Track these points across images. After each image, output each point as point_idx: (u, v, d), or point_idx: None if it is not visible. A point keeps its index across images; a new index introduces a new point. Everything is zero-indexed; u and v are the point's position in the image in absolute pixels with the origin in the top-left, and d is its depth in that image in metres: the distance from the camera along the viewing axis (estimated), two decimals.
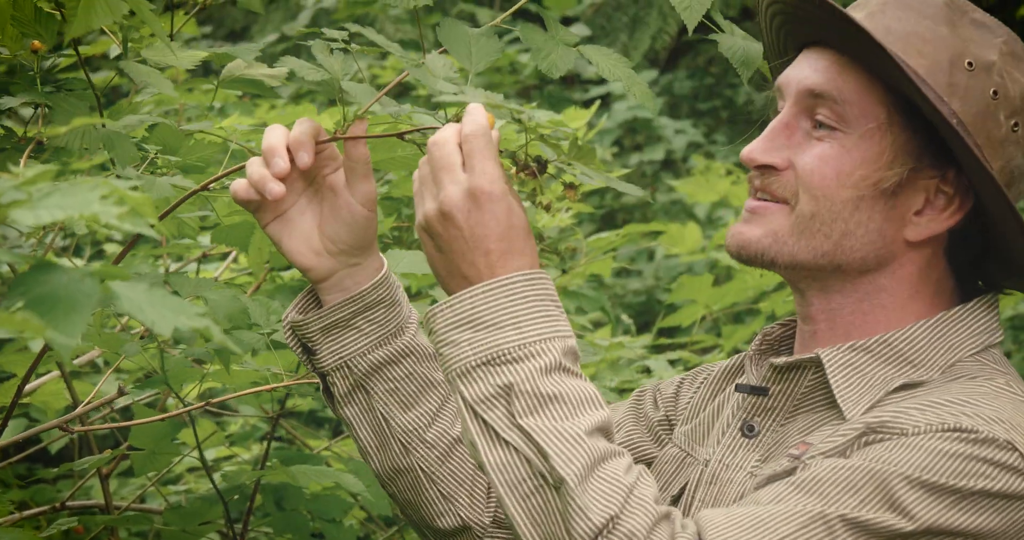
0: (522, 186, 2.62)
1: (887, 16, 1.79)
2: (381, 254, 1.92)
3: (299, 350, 1.92)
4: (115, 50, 2.35)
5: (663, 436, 2.06)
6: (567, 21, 7.87)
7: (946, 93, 1.76)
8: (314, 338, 1.89)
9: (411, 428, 1.92)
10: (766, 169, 1.82)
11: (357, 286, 1.88)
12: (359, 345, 1.89)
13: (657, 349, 4.12)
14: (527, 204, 2.92)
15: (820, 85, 1.80)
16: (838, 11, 1.76)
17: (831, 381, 1.79)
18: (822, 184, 1.78)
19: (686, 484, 1.92)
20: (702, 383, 2.06)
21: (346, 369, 1.90)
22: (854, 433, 1.70)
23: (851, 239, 1.80)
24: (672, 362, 3.71)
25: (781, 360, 1.84)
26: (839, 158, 1.78)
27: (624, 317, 4.34)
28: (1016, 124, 1.78)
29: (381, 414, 1.92)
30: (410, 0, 1.86)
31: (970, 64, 1.77)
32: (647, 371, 3.61)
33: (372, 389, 1.91)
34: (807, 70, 1.82)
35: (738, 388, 1.89)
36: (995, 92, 1.77)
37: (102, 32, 2.28)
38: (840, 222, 1.79)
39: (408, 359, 1.91)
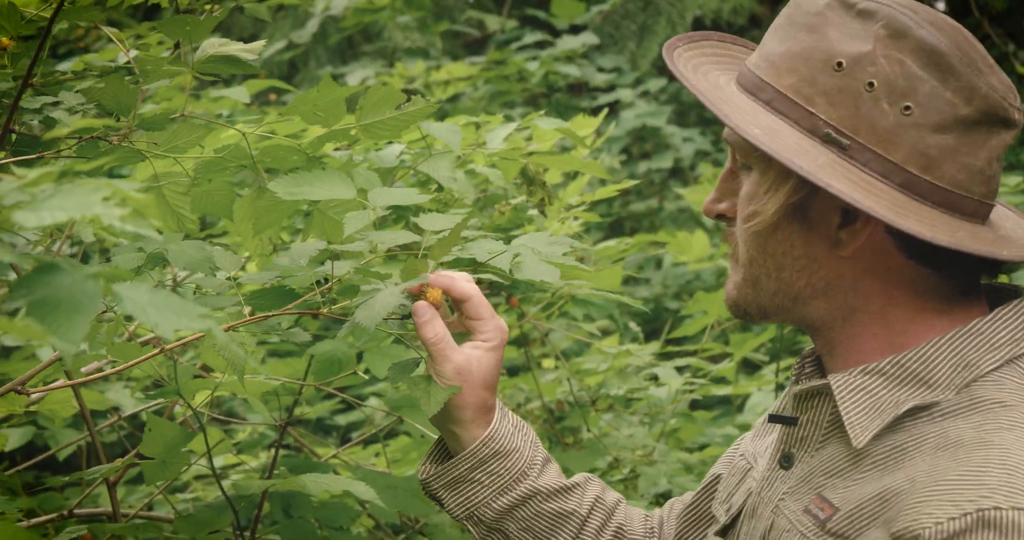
0: (531, 197, 2.63)
1: (774, 37, 1.79)
2: (498, 405, 2.03)
3: (435, 502, 2.06)
4: (122, 58, 2.34)
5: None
6: (575, 29, 7.87)
7: (819, 102, 1.73)
8: (439, 493, 2.03)
9: None
10: (722, 219, 1.84)
11: (467, 444, 2.00)
12: (481, 497, 2.01)
13: (665, 357, 4.11)
14: (537, 214, 2.91)
15: (725, 134, 1.82)
16: (678, 75, 1.80)
17: (840, 407, 1.75)
18: (743, 225, 1.80)
19: (745, 501, 1.93)
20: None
21: (475, 518, 2.02)
22: None
23: (786, 270, 1.79)
24: (680, 369, 3.70)
25: (799, 388, 1.83)
26: (747, 196, 1.79)
27: (632, 325, 4.34)
28: (907, 107, 1.71)
29: None
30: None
31: (839, 64, 1.72)
32: (655, 379, 3.61)
33: (507, 529, 2.03)
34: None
35: (770, 419, 1.87)
36: (870, 84, 1.71)
37: (109, 40, 2.27)
38: (769, 258, 1.79)
39: (533, 499, 2.03)
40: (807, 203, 1.76)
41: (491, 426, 1.99)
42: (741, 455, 2.05)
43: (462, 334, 1.97)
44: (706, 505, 2.12)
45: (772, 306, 1.82)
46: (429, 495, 2.05)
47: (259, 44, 2.12)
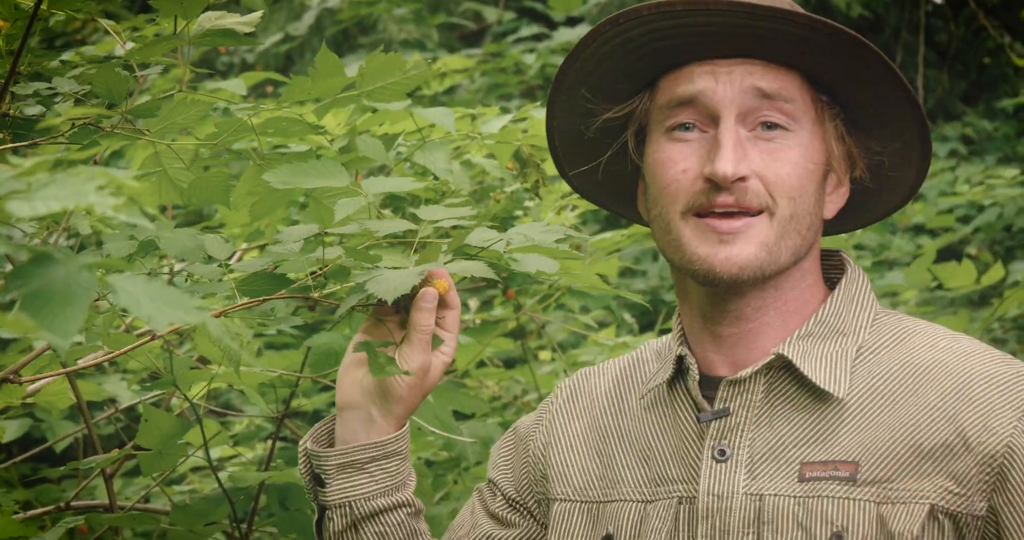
0: (525, 180, 2.64)
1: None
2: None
3: (308, 478, 2.02)
4: (119, 50, 2.33)
5: (514, 514, 2.09)
6: (572, 21, 7.87)
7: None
8: (328, 472, 1.99)
9: None
10: (735, 183, 1.82)
11: (372, 436, 1.98)
12: (366, 489, 1.99)
13: None
14: (533, 202, 2.92)
15: (772, 87, 1.83)
16: (823, 22, 1.80)
17: (805, 372, 1.83)
18: (799, 184, 1.83)
19: (643, 522, 1.91)
20: (558, 431, 2.06)
21: (347, 508, 1.99)
22: (979, 473, 1.76)
23: (812, 230, 1.87)
24: None
25: (746, 372, 1.85)
26: (803, 156, 1.83)
27: (628, 317, 4.34)
28: None
29: None
30: None
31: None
32: None
33: (362, 531, 2.00)
34: (743, 76, 1.83)
35: (700, 419, 1.87)
36: None
37: (106, 32, 2.27)
38: (808, 216, 1.85)
39: (402, 509, 2.01)
40: (839, 155, 1.89)
41: (404, 426, 2.00)
42: (509, 502, 2.09)
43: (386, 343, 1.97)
44: None
45: (787, 264, 1.86)
46: (308, 471, 2.01)
47: (256, 16, 2.11)
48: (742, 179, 1.81)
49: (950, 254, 6.51)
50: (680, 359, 1.92)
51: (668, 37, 1.84)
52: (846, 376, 1.83)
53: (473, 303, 3.63)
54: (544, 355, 4.24)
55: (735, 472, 1.83)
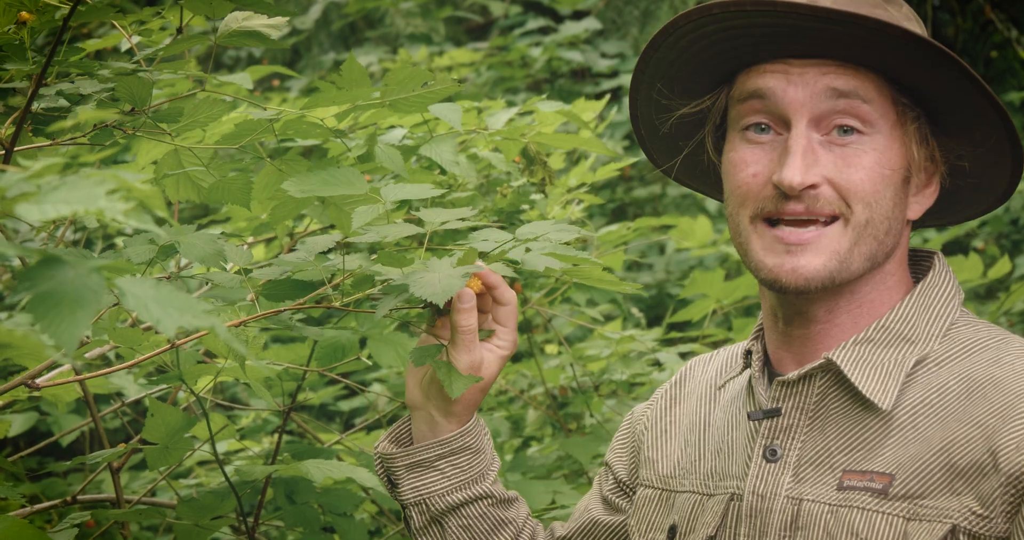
0: (532, 176, 2.64)
1: (869, 9, 1.80)
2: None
3: (384, 479, 2.06)
4: (125, 44, 2.33)
5: (622, 498, 2.11)
6: (578, 15, 7.86)
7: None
8: (398, 473, 2.03)
9: None
10: (805, 190, 1.78)
11: (440, 433, 2.01)
12: (439, 486, 2.02)
13: (668, 342, 4.11)
14: (539, 196, 2.91)
15: (847, 87, 1.78)
16: (885, 25, 1.74)
17: (853, 380, 1.79)
18: (873, 190, 1.78)
19: (697, 515, 1.92)
20: (658, 415, 2.08)
21: (424, 505, 2.03)
22: (1003, 494, 1.69)
23: (890, 235, 1.82)
24: (683, 355, 3.70)
25: (793, 374, 1.83)
26: (879, 161, 1.78)
27: (634, 310, 4.33)
28: None
29: None
30: None
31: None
32: (657, 364, 3.61)
33: (447, 524, 2.04)
34: (816, 77, 1.79)
35: (751, 416, 1.87)
36: None
37: (112, 26, 2.27)
38: (886, 221, 1.81)
39: (483, 501, 2.05)
40: (920, 158, 1.84)
41: (470, 420, 2.02)
42: (617, 488, 2.10)
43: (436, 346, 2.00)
44: None
45: (861, 270, 1.82)
46: (383, 472, 2.05)
47: (283, 19, 2.12)
48: (812, 186, 1.77)
49: (957, 248, 6.50)
50: (748, 354, 1.93)
51: (741, 35, 1.80)
52: (896, 387, 1.78)
53: None
54: (551, 349, 4.24)
55: (781, 474, 1.82)
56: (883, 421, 1.78)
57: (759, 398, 1.88)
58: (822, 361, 1.81)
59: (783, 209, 1.79)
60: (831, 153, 1.78)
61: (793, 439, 1.83)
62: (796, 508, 1.80)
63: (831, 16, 1.73)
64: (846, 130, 1.78)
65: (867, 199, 1.78)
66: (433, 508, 2.02)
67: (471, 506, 2.03)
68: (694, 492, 1.94)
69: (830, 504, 1.77)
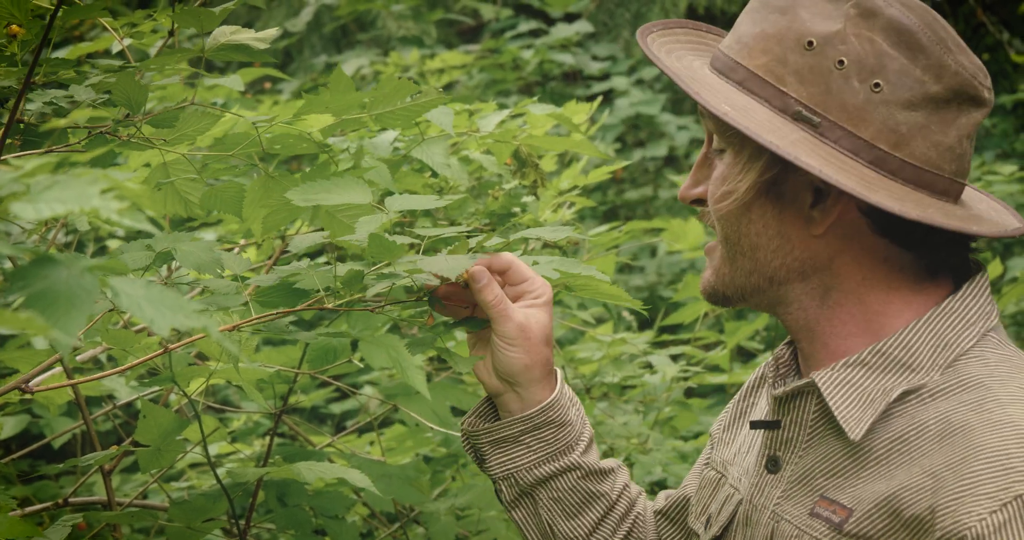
0: (524, 179, 2.65)
1: (747, 20, 1.81)
2: (559, 376, 2.04)
3: (472, 454, 2.08)
4: (116, 46, 2.33)
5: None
6: (570, 17, 7.87)
7: (790, 81, 1.74)
8: (484, 449, 2.04)
9: (572, 536, 2.07)
10: (698, 204, 1.85)
11: (528, 407, 2.01)
12: (526, 460, 2.03)
13: (660, 345, 4.12)
14: (531, 199, 2.92)
15: (704, 111, 1.82)
16: (652, 57, 1.81)
17: (830, 403, 1.76)
18: (716, 206, 1.81)
19: (721, 510, 1.94)
20: (736, 401, 2.09)
21: (512, 479, 2.04)
22: None
23: (762, 251, 1.80)
24: (674, 357, 3.71)
25: (779, 391, 1.83)
26: (720, 177, 1.80)
27: (625, 313, 4.33)
28: (877, 84, 1.72)
29: (546, 520, 2.06)
30: None
31: (810, 44, 1.74)
32: (649, 367, 3.61)
33: (537, 497, 2.05)
34: None
35: (752, 425, 1.87)
36: (840, 62, 1.73)
37: (104, 29, 2.27)
38: (744, 237, 1.80)
39: (572, 473, 2.04)
40: (780, 181, 1.78)
41: (553, 394, 2.02)
42: (707, 465, 2.07)
43: (473, 321, 2.02)
44: (681, 519, 2.14)
45: (749, 286, 1.82)
46: (470, 448, 2.07)
47: (271, 32, 2.13)
48: (699, 201, 1.85)
49: None
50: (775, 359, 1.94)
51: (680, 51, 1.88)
52: (872, 417, 1.72)
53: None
54: None
55: (775, 487, 1.83)
56: (862, 451, 1.74)
57: (764, 407, 1.91)
58: (808, 380, 1.79)
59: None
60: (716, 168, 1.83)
61: (792, 453, 1.82)
62: (775, 525, 1.80)
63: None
64: (717, 150, 1.83)
65: (717, 215, 1.81)
66: (521, 482, 2.03)
67: (560, 479, 2.04)
68: (730, 485, 1.96)
69: (798, 528, 1.76)
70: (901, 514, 1.66)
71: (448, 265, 1.87)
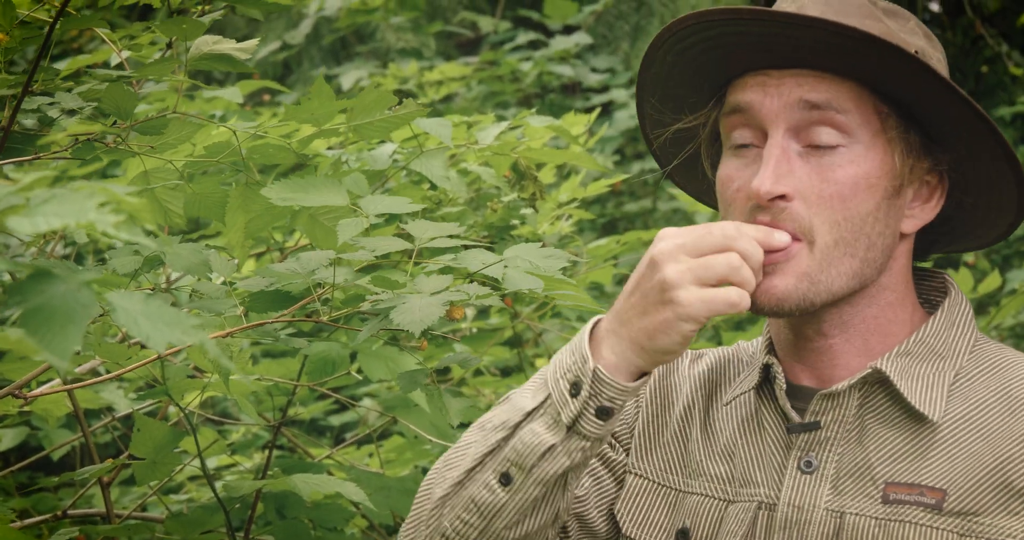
0: (522, 192, 2.65)
1: (847, 18, 1.76)
2: None
3: (593, 401, 1.73)
4: (115, 58, 2.34)
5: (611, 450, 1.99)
6: (568, 30, 7.87)
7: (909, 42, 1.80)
8: (620, 403, 1.75)
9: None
10: (774, 202, 1.74)
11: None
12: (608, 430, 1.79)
13: None
14: (530, 211, 2.92)
15: (820, 98, 1.75)
16: (860, 33, 1.71)
17: (903, 391, 1.78)
18: (841, 206, 1.74)
19: (732, 522, 1.85)
20: (651, 397, 1.99)
21: (596, 446, 1.78)
22: None
23: (874, 250, 1.78)
24: None
25: (842, 385, 1.80)
26: (856, 174, 1.74)
27: None
28: None
29: (568, 498, 1.83)
30: None
31: (916, 53, 1.77)
32: None
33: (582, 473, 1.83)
34: (791, 88, 1.76)
35: (790, 430, 1.83)
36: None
37: (103, 41, 2.28)
38: (863, 237, 1.76)
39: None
40: (909, 173, 1.80)
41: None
42: (636, 474, 1.95)
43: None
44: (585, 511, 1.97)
45: (846, 290, 1.78)
46: (596, 401, 1.73)
47: (252, 43, 2.14)
48: (782, 197, 1.74)
49: (947, 262, 6.51)
50: (767, 367, 1.88)
51: (714, 47, 1.79)
52: (942, 399, 1.78)
53: (469, 312, 3.63)
54: (541, 363, 4.23)
55: (819, 486, 1.80)
56: (927, 433, 1.77)
57: (787, 410, 1.84)
58: (868, 371, 1.79)
59: (752, 220, 1.75)
60: (808, 164, 1.75)
61: (830, 452, 1.80)
62: (839, 521, 1.77)
63: (791, 21, 1.71)
64: (821, 143, 1.75)
65: (836, 217, 1.74)
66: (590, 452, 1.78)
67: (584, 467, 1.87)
68: (710, 496, 1.89)
69: (877, 518, 1.75)
70: (1012, 484, 1.72)
71: (417, 317, 1.87)
